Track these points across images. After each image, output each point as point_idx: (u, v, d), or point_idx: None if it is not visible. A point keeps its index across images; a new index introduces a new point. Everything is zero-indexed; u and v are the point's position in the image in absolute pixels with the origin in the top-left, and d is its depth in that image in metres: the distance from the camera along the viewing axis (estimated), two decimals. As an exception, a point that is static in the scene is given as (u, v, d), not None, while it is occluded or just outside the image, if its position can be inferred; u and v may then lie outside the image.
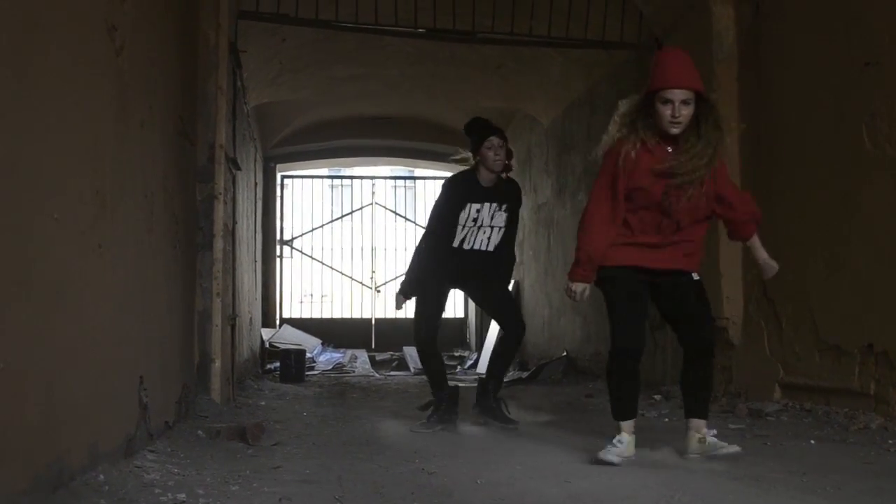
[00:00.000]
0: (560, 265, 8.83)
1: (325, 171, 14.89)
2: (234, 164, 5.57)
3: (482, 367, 9.87)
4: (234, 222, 5.85)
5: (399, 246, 13.25)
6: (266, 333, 10.35)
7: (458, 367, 10.72)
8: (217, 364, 4.77)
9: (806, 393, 4.76)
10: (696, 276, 3.55)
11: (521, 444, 3.92)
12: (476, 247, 4.70)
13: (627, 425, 3.46)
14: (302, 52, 8.14)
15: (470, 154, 4.79)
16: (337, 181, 15.27)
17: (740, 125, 4.54)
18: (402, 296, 4.87)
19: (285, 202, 13.20)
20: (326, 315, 13.62)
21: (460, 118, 11.85)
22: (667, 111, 3.33)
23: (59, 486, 2.24)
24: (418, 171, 14.86)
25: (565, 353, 8.61)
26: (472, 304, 11.79)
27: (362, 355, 10.64)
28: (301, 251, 13.42)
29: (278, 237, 12.69)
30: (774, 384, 5.01)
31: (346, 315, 13.49)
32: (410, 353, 10.71)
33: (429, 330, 4.71)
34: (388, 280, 13.07)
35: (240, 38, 5.93)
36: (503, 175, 4.79)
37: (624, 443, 3.39)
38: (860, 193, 4.36)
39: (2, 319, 1.94)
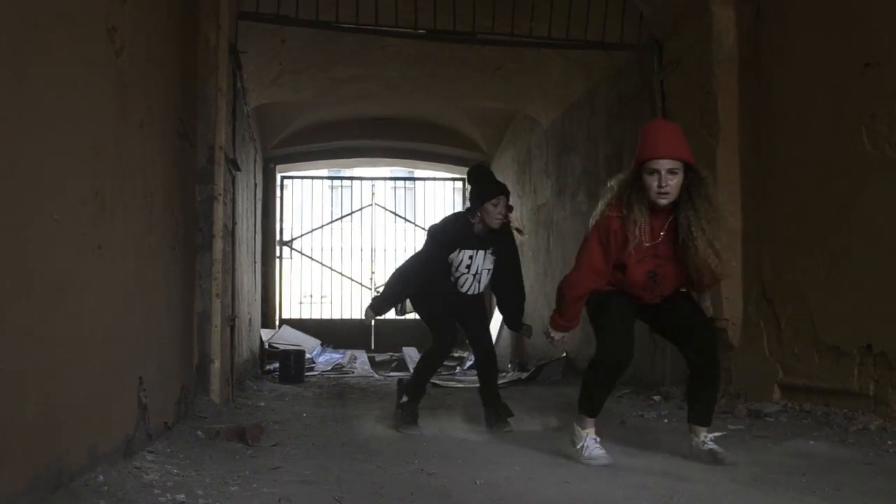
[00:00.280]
0: (559, 266, 8.83)
1: (324, 172, 14.89)
2: (233, 164, 5.57)
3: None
4: (234, 223, 5.85)
5: (399, 247, 13.25)
6: (265, 334, 10.35)
7: (458, 367, 10.72)
8: (216, 365, 4.76)
9: (805, 394, 4.76)
10: (683, 290, 3.61)
11: (520, 446, 3.92)
12: (468, 291, 4.74)
13: (594, 423, 3.52)
14: (302, 53, 8.15)
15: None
16: (337, 182, 15.27)
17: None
18: (372, 311, 4.84)
19: (285, 203, 13.20)
20: (326, 316, 13.63)
21: (460, 119, 11.96)
22: (654, 182, 3.33)
23: (58, 487, 2.25)
24: (418, 173, 14.86)
25: (564, 354, 8.61)
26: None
27: (362, 356, 10.63)
28: (301, 252, 13.42)
29: (278, 238, 12.69)
30: (773, 385, 5.01)
31: (346, 316, 13.48)
32: (410, 353, 10.70)
33: (454, 335, 4.79)
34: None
35: (240, 38, 5.93)
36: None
37: (597, 441, 3.45)
38: (859, 194, 4.36)
39: (1, 320, 1.94)
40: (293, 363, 8.21)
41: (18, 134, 2.04)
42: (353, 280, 13.63)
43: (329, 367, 9.92)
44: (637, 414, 5.11)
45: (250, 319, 8.55)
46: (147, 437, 3.27)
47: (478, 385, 4.88)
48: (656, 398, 5.80)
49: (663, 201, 3.35)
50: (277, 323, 12.17)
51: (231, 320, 5.46)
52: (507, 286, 4.83)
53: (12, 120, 2.00)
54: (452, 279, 4.73)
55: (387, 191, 14.65)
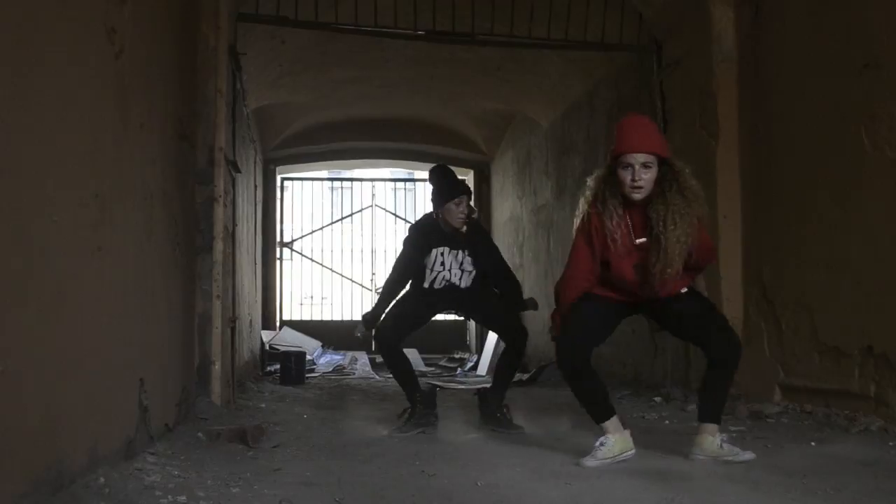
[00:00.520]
0: (559, 266, 8.79)
1: (324, 174, 14.87)
2: (233, 166, 5.57)
3: (482, 369, 9.87)
4: (234, 224, 5.84)
5: (399, 248, 13.22)
6: (266, 335, 10.34)
7: (459, 369, 10.71)
8: (217, 366, 4.76)
9: (806, 395, 4.75)
10: (683, 290, 3.55)
11: (521, 447, 3.92)
12: (451, 280, 4.72)
13: (611, 425, 3.47)
14: (301, 54, 8.15)
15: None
16: (337, 183, 15.23)
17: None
18: (364, 326, 4.86)
19: (285, 204, 13.19)
20: (326, 317, 13.62)
21: (460, 120, 11.96)
22: (627, 176, 3.35)
23: (59, 489, 2.24)
24: (418, 174, 14.84)
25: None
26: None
27: (362, 357, 10.62)
28: (301, 253, 13.42)
29: (278, 239, 12.68)
30: (774, 386, 5.01)
31: (347, 317, 13.47)
32: (410, 355, 10.68)
33: (395, 329, 4.68)
34: (388, 282, 13.03)
35: (239, 40, 5.93)
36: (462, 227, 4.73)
37: (609, 443, 3.41)
38: (860, 195, 4.36)
39: (1, 322, 1.94)
40: (294, 365, 8.21)
41: (18, 135, 2.04)
42: (353, 281, 13.63)
43: (330, 369, 9.92)
44: (638, 415, 5.11)
45: (251, 321, 8.55)
46: (148, 439, 3.27)
47: (479, 385, 4.87)
48: (657, 399, 5.80)
49: (637, 196, 3.36)
50: (278, 324, 12.16)
51: (232, 322, 5.45)
52: (498, 282, 4.83)
53: (11, 122, 2.00)
54: (427, 284, 4.73)
55: (387, 192, 14.61)
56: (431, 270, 4.72)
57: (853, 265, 4.41)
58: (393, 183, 15.01)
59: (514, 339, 4.69)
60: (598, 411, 3.51)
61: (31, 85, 2.13)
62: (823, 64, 4.67)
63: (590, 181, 3.54)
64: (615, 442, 3.41)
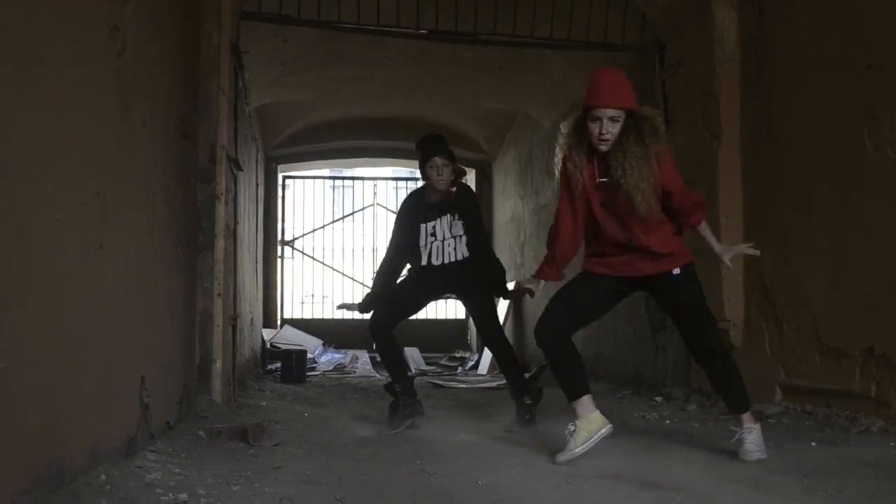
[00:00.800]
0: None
1: (326, 172, 14.88)
2: (235, 164, 5.57)
3: (483, 368, 9.87)
4: (236, 223, 5.85)
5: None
6: (267, 334, 10.35)
7: (459, 368, 10.72)
8: (218, 364, 4.77)
9: (807, 395, 4.75)
10: (676, 272, 3.56)
11: (522, 446, 3.92)
12: (447, 261, 4.71)
13: (580, 406, 3.52)
14: (304, 52, 8.15)
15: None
16: (338, 182, 15.22)
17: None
18: (361, 310, 4.91)
19: (287, 203, 13.19)
20: (328, 316, 13.61)
21: (462, 120, 11.95)
22: (595, 129, 3.45)
23: (59, 486, 2.24)
24: (419, 173, 14.84)
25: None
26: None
27: (363, 356, 10.62)
28: (302, 252, 13.41)
29: (279, 238, 12.69)
30: (775, 386, 5.01)
31: (348, 316, 13.45)
32: (412, 354, 10.71)
33: (385, 311, 4.70)
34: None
35: (242, 38, 5.93)
36: (452, 188, 4.72)
37: (576, 430, 3.45)
38: (861, 196, 4.36)
39: (3, 319, 1.94)
40: (295, 363, 8.21)
41: (20, 134, 2.04)
42: (354, 280, 13.63)
43: (331, 367, 9.92)
44: (639, 415, 5.11)
45: (252, 319, 8.55)
46: (149, 437, 3.28)
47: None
48: (658, 399, 5.79)
49: (603, 147, 3.47)
50: (279, 322, 12.17)
51: (233, 320, 5.46)
52: (475, 255, 4.72)
53: (13, 120, 2.00)
54: (424, 261, 4.73)
55: (388, 191, 14.62)
56: (425, 246, 4.73)
57: (854, 266, 4.41)
58: (394, 182, 15.02)
59: (494, 352, 4.76)
60: (570, 390, 3.59)
61: (33, 83, 2.13)
62: (825, 65, 4.67)
63: (563, 128, 3.69)
64: (583, 425, 3.46)
